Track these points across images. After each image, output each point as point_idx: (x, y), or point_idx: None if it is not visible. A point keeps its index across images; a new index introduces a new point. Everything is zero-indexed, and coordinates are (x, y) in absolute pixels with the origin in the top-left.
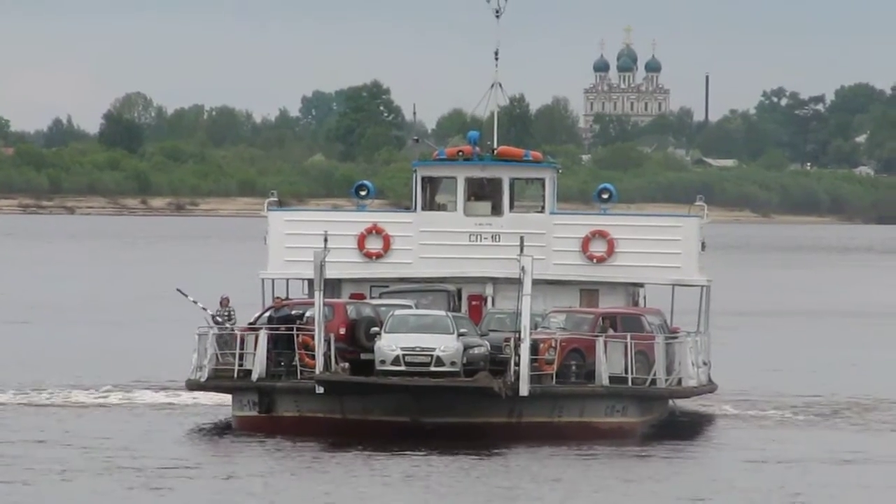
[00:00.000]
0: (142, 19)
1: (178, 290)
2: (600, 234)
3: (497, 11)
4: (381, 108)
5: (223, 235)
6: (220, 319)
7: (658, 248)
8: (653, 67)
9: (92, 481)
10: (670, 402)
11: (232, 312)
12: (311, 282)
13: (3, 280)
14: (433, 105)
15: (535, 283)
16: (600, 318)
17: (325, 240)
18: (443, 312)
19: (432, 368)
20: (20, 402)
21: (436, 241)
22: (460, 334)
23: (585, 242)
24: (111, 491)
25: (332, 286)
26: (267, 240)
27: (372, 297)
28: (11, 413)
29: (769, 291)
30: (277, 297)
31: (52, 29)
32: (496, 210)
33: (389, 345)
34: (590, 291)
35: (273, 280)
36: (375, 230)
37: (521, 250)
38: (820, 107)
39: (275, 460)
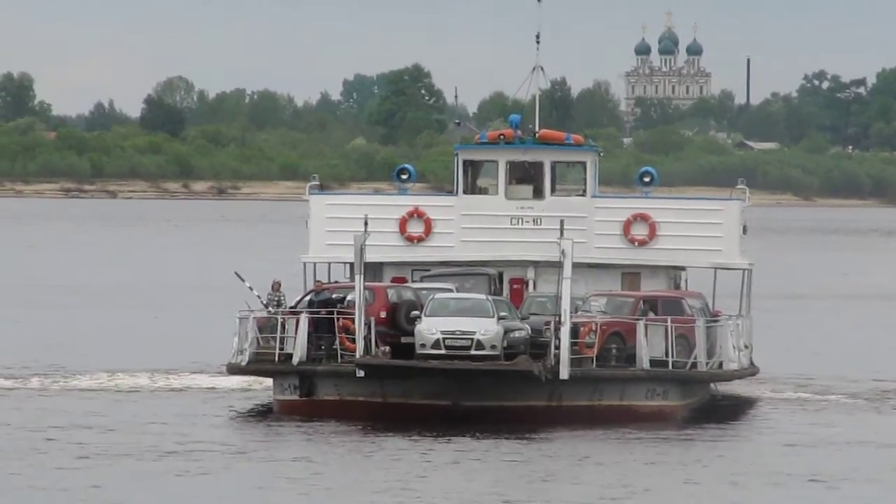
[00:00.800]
0: (184, 3)
1: (236, 273)
2: (642, 218)
3: None
4: (423, 91)
5: (265, 219)
6: (271, 306)
7: (700, 232)
8: (694, 51)
9: (134, 464)
10: (712, 385)
11: (282, 298)
12: (352, 265)
13: (44, 264)
14: (474, 89)
15: (577, 266)
16: (641, 302)
17: (366, 223)
18: (483, 296)
19: (472, 352)
20: (63, 387)
21: (477, 224)
22: (500, 318)
23: (627, 226)
24: (153, 474)
25: (374, 270)
26: (308, 223)
27: (413, 281)
28: (55, 397)
29: (812, 275)
30: (318, 281)
31: (95, 13)
32: (538, 193)
33: (430, 328)
34: (631, 275)
35: (315, 264)
36: (417, 214)
37: (562, 234)
38: (861, 90)
39: (316, 444)
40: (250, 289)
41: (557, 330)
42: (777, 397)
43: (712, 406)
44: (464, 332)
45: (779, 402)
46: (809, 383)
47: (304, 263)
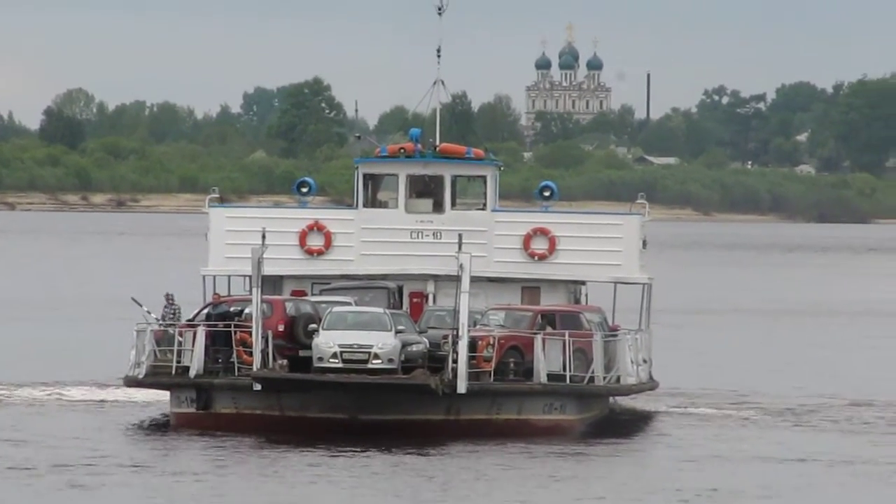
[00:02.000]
0: (84, 14)
1: (133, 299)
2: (542, 232)
3: (439, 8)
4: (323, 104)
5: (164, 232)
6: (166, 319)
7: (599, 246)
8: (594, 65)
9: (27, 479)
10: (611, 399)
11: (177, 311)
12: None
13: None
14: (375, 102)
15: (477, 280)
16: (539, 316)
17: (263, 236)
18: (380, 309)
19: (369, 365)
20: None
21: (377, 238)
22: (398, 331)
23: (527, 240)
24: (48, 488)
25: (274, 283)
26: (208, 236)
27: (313, 294)
28: None
29: (710, 289)
30: (216, 294)
31: None
32: (438, 207)
33: (327, 342)
34: (531, 289)
35: (214, 276)
36: (317, 227)
37: (460, 247)
38: (761, 105)
39: (212, 457)
40: (148, 312)
41: (455, 344)
42: (676, 411)
43: (611, 420)
44: (361, 346)
45: (677, 416)
46: (709, 398)
47: (204, 276)
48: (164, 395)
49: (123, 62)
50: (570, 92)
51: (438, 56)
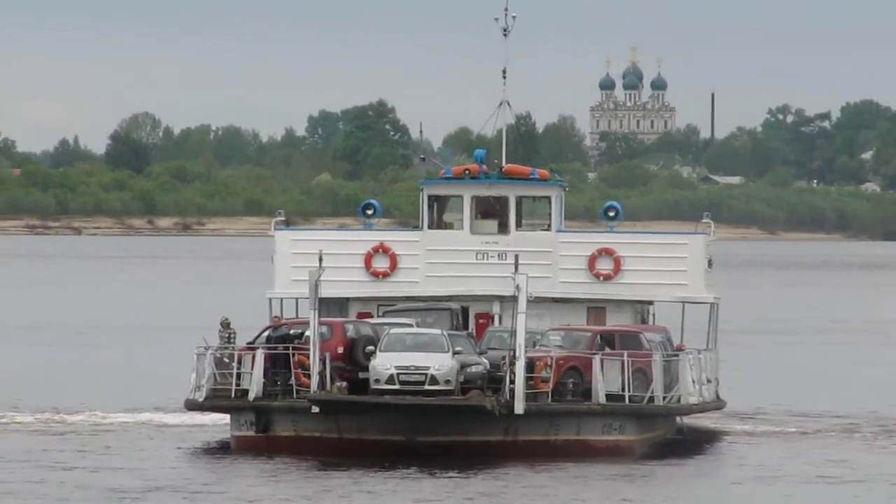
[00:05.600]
0: (150, 39)
1: (203, 339)
2: (607, 252)
3: (505, 30)
4: (387, 126)
5: (230, 255)
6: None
7: (665, 266)
8: (658, 85)
9: (92, 503)
10: (678, 419)
11: (233, 336)
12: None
13: (9, 301)
14: (439, 123)
15: (542, 301)
16: (598, 336)
17: (321, 259)
18: (438, 331)
19: (426, 387)
20: (21, 425)
21: (443, 259)
22: (456, 353)
23: (592, 260)
24: None
25: (340, 305)
26: (274, 259)
27: (378, 317)
28: (10, 434)
29: (777, 308)
30: (276, 316)
31: (59, 50)
32: (503, 228)
33: (384, 363)
34: (597, 309)
35: (281, 299)
36: (382, 249)
37: (516, 268)
38: (826, 123)
39: (272, 481)
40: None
41: (512, 364)
42: (743, 431)
43: (675, 441)
44: (418, 368)
45: (744, 435)
46: (778, 418)
47: (271, 299)
48: (225, 419)
49: (188, 86)
50: (635, 112)
51: (504, 77)
